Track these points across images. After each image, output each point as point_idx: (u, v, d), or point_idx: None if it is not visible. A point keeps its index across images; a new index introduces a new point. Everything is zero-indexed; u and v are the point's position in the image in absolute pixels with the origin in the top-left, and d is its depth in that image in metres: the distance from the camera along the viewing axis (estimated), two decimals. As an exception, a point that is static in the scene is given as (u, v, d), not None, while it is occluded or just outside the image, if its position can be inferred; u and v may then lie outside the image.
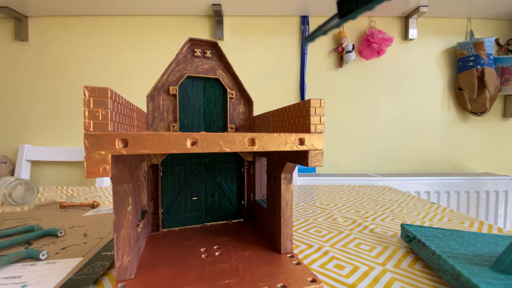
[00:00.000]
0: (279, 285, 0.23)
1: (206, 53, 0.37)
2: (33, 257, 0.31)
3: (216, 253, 0.30)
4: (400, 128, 1.46)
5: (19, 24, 1.30)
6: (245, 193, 0.41)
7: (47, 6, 1.24)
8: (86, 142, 0.17)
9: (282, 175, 0.29)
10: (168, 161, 0.37)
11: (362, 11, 0.23)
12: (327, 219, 0.49)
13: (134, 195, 0.26)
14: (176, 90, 0.36)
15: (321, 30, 0.31)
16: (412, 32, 1.41)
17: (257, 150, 0.22)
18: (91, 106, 0.17)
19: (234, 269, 0.26)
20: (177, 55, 0.35)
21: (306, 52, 1.39)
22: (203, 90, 0.38)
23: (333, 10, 1.38)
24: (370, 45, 1.36)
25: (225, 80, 0.39)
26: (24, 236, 0.37)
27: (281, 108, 0.30)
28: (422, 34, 1.45)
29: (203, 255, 0.29)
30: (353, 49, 1.37)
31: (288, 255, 0.29)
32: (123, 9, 1.30)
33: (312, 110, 0.23)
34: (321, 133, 0.24)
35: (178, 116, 0.36)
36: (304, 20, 1.38)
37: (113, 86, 1.33)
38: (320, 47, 1.41)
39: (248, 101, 0.40)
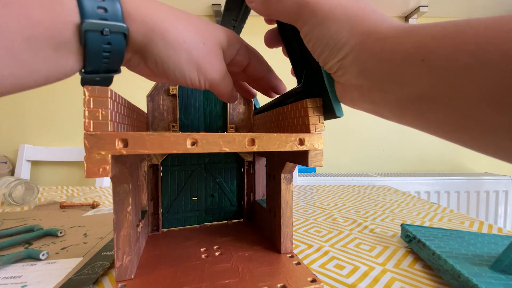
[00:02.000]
0: (279, 285, 0.23)
1: (206, 53, 0.37)
2: (33, 257, 0.31)
3: (216, 253, 0.30)
4: (400, 128, 1.46)
5: (19, 24, 1.29)
6: (245, 193, 0.41)
7: (47, 6, 1.24)
8: (86, 142, 0.17)
9: (282, 175, 0.29)
10: (168, 161, 0.37)
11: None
12: (327, 219, 0.49)
13: (134, 195, 0.26)
14: (176, 90, 0.36)
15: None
16: (412, 32, 1.41)
17: (257, 150, 0.22)
18: (91, 106, 0.17)
19: (234, 269, 0.26)
20: (177, 55, 0.35)
21: (306, 52, 1.39)
22: (203, 90, 0.38)
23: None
24: (370, 45, 1.36)
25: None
26: (24, 236, 0.37)
27: (281, 108, 0.30)
28: (422, 34, 1.45)
29: (203, 255, 0.29)
30: (353, 49, 1.37)
31: (288, 255, 0.29)
32: (123, 9, 1.29)
33: (310, 110, 0.23)
34: (321, 133, 0.24)
35: (178, 116, 0.36)
36: (304, 20, 1.38)
37: (113, 86, 1.33)
38: (320, 47, 1.41)
39: (248, 101, 0.40)
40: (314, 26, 0.19)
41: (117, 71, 0.20)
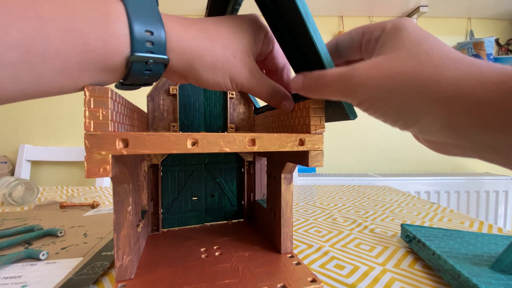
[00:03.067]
0: (279, 285, 0.23)
1: (206, 53, 0.37)
2: (33, 257, 0.31)
3: (216, 253, 0.30)
4: (400, 128, 1.46)
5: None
6: (245, 193, 0.41)
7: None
8: (86, 142, 0.17)
9: (282, 175, 0.29)
10: (168, 161, 0.37)
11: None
12: (327, 219, 0.49)
13: (134, 195, 0.26)
14: (176, 90, 0.36)
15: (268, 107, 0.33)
16: (412, 32, 1.41)
17: (257, 151, 0.22)
18: (92, 106, 0.17)
19: (234, 269, 0.26)
20: (177, 55, 0.35)
21: (306, 52, 1.39)
22: (203, 90, 0.38)
23: (335, 10, 1.38)
24: (370, 45, 1.35)
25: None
26: (24, 236, 0.37)
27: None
28: (422, 34, 1.44)
29: (203, 255, 0.29)
30: (353, 49, 1.36)
31: (288, 255, 0.29)
32: (123, 9, 1.29)
33: (312, 111, 0.23)
34: (321, 133, 0.24)
35: (178, 116, 0.36)
36: (304, 20, 1.38)
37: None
38: (320, 47, 1.41)
39: (248, 101, 0.40)
40: (373, 103, 0.18)
41: (151, 84, 0.22)
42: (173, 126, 0.36)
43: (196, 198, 0.39)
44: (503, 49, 1.46)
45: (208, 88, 0.23)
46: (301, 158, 0.25)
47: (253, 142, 0.21)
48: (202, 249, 0.31)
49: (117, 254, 0.23)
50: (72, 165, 1.35)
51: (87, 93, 0.17)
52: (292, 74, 0.25)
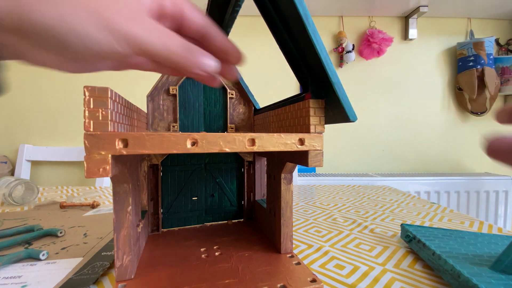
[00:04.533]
0: (279, 285, 0.23)
1: (206, 53, 0.37)
2: (33, 257, 0.31)
3: (216, 253, 0.30)
4: (400, 128, 1.46)
5: (19, 24, 1.29)
6: (245, 193, 0.41)
7: (47, 6, 1.24)
8: (86, 142, 0.17)
9: (282, 175, 0.29)
10: (168, 161, 0.37)
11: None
12: (327, 219, 0.49)
13: (134, 195, 0.26)
14: (176, 90, 0.36)
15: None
16: (412, 32, 1.41)
17: (257, 150, 0.22)
18: (91, 106, 0.17)
19: (234, 269, 0.26)
20: (177, 55, 0.35)
21: (306, 52, 1.39)
22: (203, 90, 0.38)
23: (335, 10, 1.38)
24: (370, 45, 1.36)
25: (225, 80, 0.39)
26: (24, 236, 0.37)
27: (281, 108, 0.30)
28: (422, 34, 1.45)
29: (203, 255, 0.29)
30: (353, 49, 1.37)
31: (288, 255, 0.29)
32: (123, 9, 1.29)
33: (312, 111, 0.23)
34: (321, 133, 0.24)
35: (178, 116, 0.36)
36: (304, 20, 1.38)
37: (113, 86, 1.33)
38: (320, 47, 1.41)
39: (248, 101, 0.40)
40: None
41: None
42: (173, 126, 0.36)
43: (196, 198, 0.39)
44: (503, 49, 1.46)
45: (71, 57, 0.15)
46: (301, 158, 0.25)
47: (252, 142, 0.21)
48: (202, 249, 0.31)
49: (117, 254, 0.23)
50: (72, 165, 1.35)
51: (86, 93, 0.17)
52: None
